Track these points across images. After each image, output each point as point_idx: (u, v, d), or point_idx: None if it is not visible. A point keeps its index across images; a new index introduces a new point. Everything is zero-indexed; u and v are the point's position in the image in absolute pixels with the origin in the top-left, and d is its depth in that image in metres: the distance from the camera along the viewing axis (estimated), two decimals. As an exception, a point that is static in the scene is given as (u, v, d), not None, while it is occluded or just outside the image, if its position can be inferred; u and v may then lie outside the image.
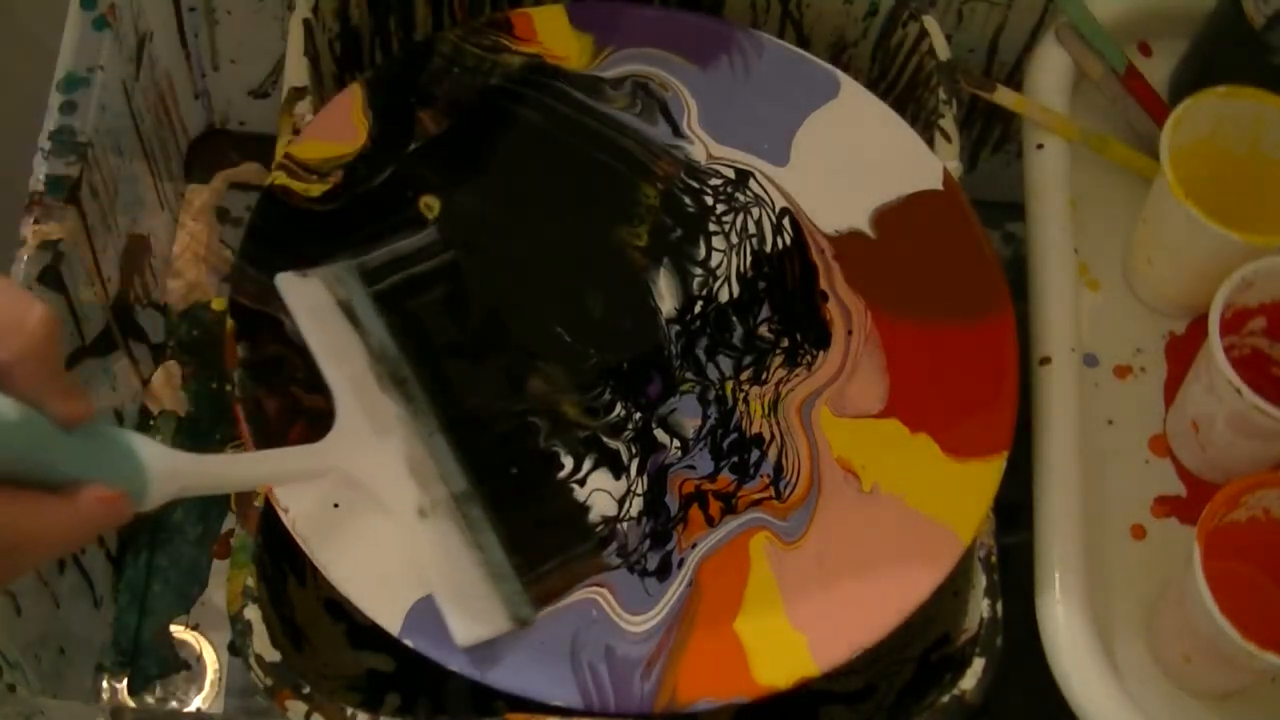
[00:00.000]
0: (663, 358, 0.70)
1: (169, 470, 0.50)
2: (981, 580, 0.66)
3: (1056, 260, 0.74)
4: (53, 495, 0.46)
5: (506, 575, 0.62)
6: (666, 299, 0.72)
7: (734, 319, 0.71)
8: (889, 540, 0.66)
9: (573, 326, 0.70)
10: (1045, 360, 0.72)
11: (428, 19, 0.81)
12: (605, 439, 0.68)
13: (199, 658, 0.79)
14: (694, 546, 0.66)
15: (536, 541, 0.65)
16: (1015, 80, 0.85)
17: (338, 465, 0.61)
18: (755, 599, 0.65)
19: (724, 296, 0.72)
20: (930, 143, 0.75)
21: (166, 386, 0.86)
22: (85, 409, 0.47)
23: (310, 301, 0.66)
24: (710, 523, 0.67)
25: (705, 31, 0.77)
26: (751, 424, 0.69)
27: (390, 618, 0.62)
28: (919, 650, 0.72)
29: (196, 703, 0.78)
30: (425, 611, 0.61)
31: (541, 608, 0.63)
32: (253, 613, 0.63)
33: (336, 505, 0.62)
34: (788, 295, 0.72)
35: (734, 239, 0.73)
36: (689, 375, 0.70)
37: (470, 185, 0.73)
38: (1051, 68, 0.79)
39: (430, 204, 0.72)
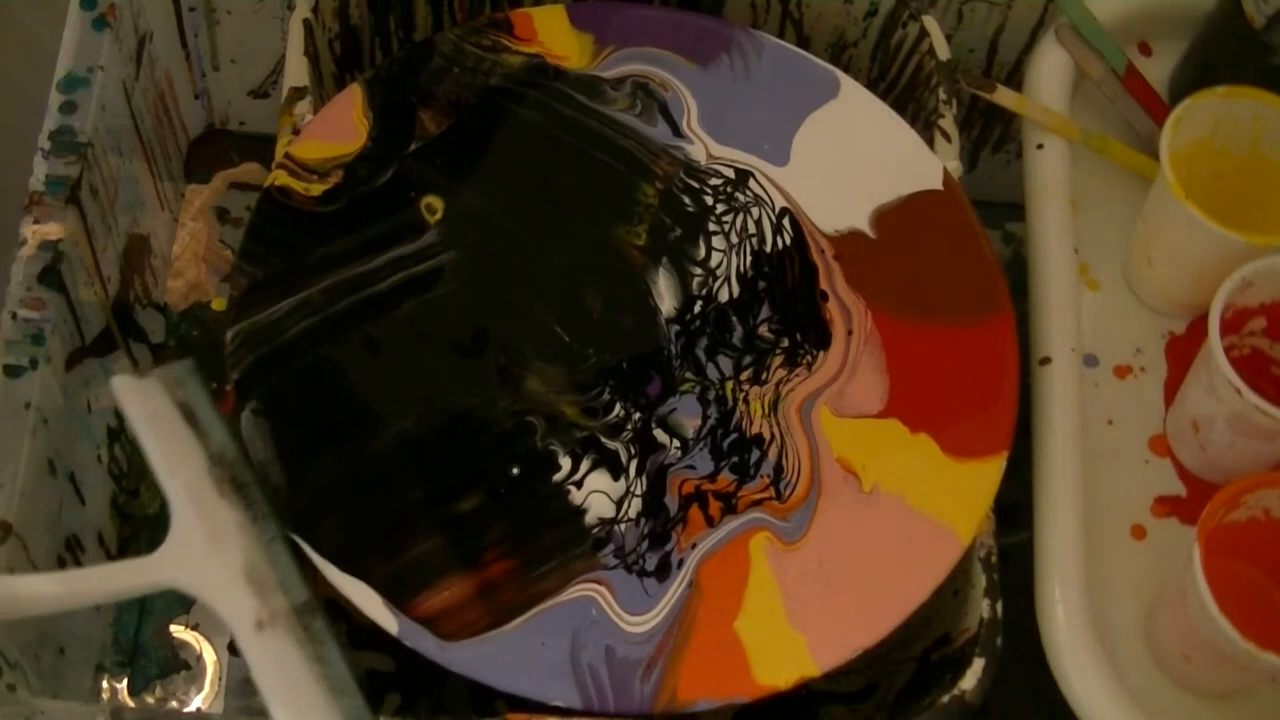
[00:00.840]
0: (662, 357, 0.70)
1: None
2: (981, 580, 0.66)
3: (1056, 260, 0.74)
4: None
5: (349, 689, 0.59)
6: (666, 298, 0.72)
7: (734, 319, 0.71)
8: (889, 540, 0.66)
9: (571, 326, 0.70)
10: (1045, 360, 0.72)
11: (428, 19, 0.81)
12: (604, 439, 0.68)
13: (199, 658, 0.79)
14: (694, 547, 0.66)
15: (534, 542, 0.65)
16: (1015, 80, 0.85)
17: (168, 579, 0.59)
18: (755, 599, 0.65)
19: (724, 296, 0.72)
20: (930, 143, 0.75)
21: (166, 386, 0.86)
22: None
23: (147, 407, 0.63)
24: (710, 523, 0.67)
25: (705, 31, 0.77)
26: (751, 424, 0.69)
27: (389, 618, 0.62)
28: (919, 650, 0.72)
29: (196, 703, 0.78)
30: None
31: (523, 613, 0.63)
32: (252, 613, 0.63)
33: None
34: (788, 295, 0.72)
35: (734, 239, 0.73)
36: (689, 375, 0.70)
37: (470, 185, 0.73)
38: (1051, 68, 0.79)
39: (430, 204, 0.72)
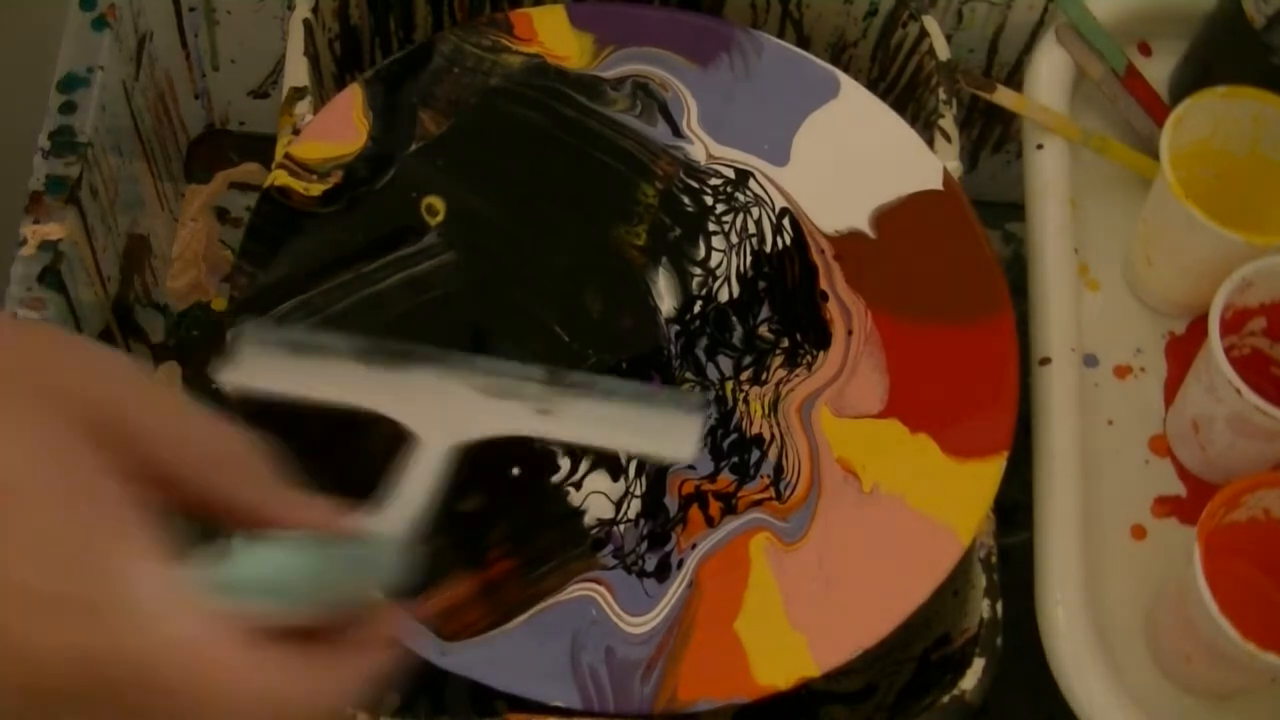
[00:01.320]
0: (662, 357, 0.70)
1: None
2: (981, 580, 0.66)
3: (1056, 260, 0.74)
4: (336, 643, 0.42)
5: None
6: (666, 298, 0.72)
7: (734, 319, 0.71)
8: (889, 540, 0.66)
9: (571, 326, 0.70)
10: (1045, 360, 0.72)
11: (428, 19, 0.81)
12: (604, 439, 0.68)
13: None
14: (694, 547, 0.66)
15: (534, 542, 0.65)
16: (1015, 80, 0.85)
17: (466, 438, 0.57)
18: (755, 600, 0.64)
19: (724, 296, 0.72)
20: (930, 143, 0.75)
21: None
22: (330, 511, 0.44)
23: (274, 368, 0.62)
24: (710, 523, 0.67)
25: (705, 31, 0.77)
26: (751, 424, 0.69)
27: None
28: (919, 650, 0.72)
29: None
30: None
31: (523, 614, 0.63)
32: (252, 613, 0.62)
33: None
34: (788, 295, 0.72)
35: (734, 239, 0.73)
36: (688, 375, 0.70)
37: (470, 186, 0.73)
38: (1051, 68, 0.79)
39: (430, 205, 0.72)
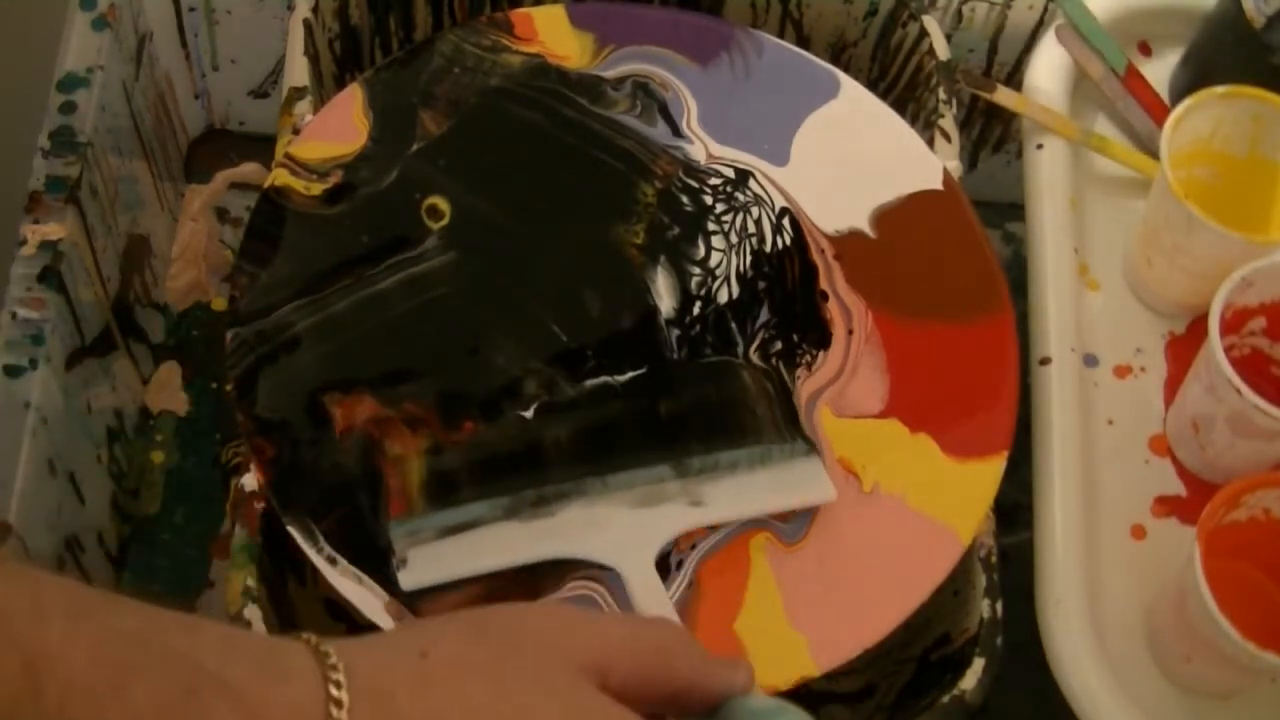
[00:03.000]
0: (662, 358, 0.70)
1: None
2: (981, 580, 0.66)
3: (1056, 260, 0.74)
4: None
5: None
6: (665, 298, 0.72)
7: (732, 324, 0.71)
8: (889, 540, 0.66)
9: (569, 325, 0.70)
10: (1045, 360, 0.72)
11: (428, 19, 0.81)
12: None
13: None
14: (694, 547, 0.66)
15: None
16: (1015, 80, 0.85)
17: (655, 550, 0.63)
18: (755, 600, 0.64)
19: (723, 297, 0.72)
20: (930, 143, 0.75)
21: (166, 386, 0.86)
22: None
23: (441, 556, 0.63)
24: (710, 523, 0.67)
25: (705, 31, 0.77)
26: (751, 424, 0.69)
27: (388, 619, 0.62)
28: (919, 650, 0.72)
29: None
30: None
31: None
32: (253, 613, 0.63)
33: None
34: (787, 295, 0.72)
35: (733, 238, 0.73)
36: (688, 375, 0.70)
37: (470, 185, 0.73)
38: (1051, 68, 0.79)
39: (430, 205, 0.72)
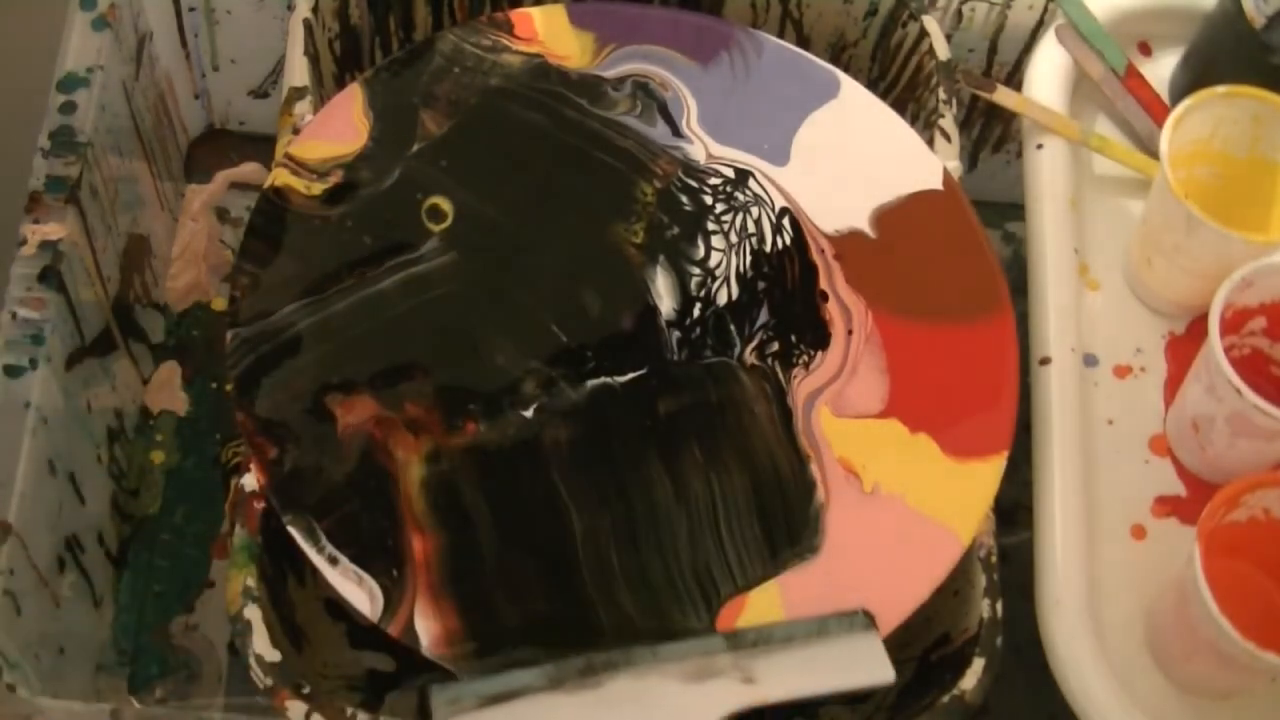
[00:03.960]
0: (662, 359, 0.70)
1: None
2: (981, 580, 0.66)
3: (1056, 260, 0.74)
4: None
5: None
6: (665, 298, 0.72)
7: (731, 326, 0.71)
8: (889, 540, 0.66)
9: (569, 325, 0.70)
10: (1045, 360, 0.72)
11: (428, 19, 0.81)
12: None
13: (199, 658, 0.79)
14: (694, 547, 0.66)
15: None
16: (1015, 80, 0.85)
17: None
18: (756, 599, 0.64)
19: (723, 297, 0.72)
20: (930, 143, 0.75)
21: (166, 386, 0.86)
22: None
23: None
24: (710, 523, 0.67)
25: (705, 31, 0.77)
26: (751, 424, 0.69)
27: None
28: (919, 650, 0.72)
29: (197, 703, 0.78)
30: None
31: None
32: (253, 613, 0.63)
33: None
34: (787, 295, 0.72)
35: (733, 238, 0.73)
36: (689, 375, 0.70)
37: (470, 185, 0.73)
38: (1051, 68, 0.79)
39: (430, 205, 0.72)
